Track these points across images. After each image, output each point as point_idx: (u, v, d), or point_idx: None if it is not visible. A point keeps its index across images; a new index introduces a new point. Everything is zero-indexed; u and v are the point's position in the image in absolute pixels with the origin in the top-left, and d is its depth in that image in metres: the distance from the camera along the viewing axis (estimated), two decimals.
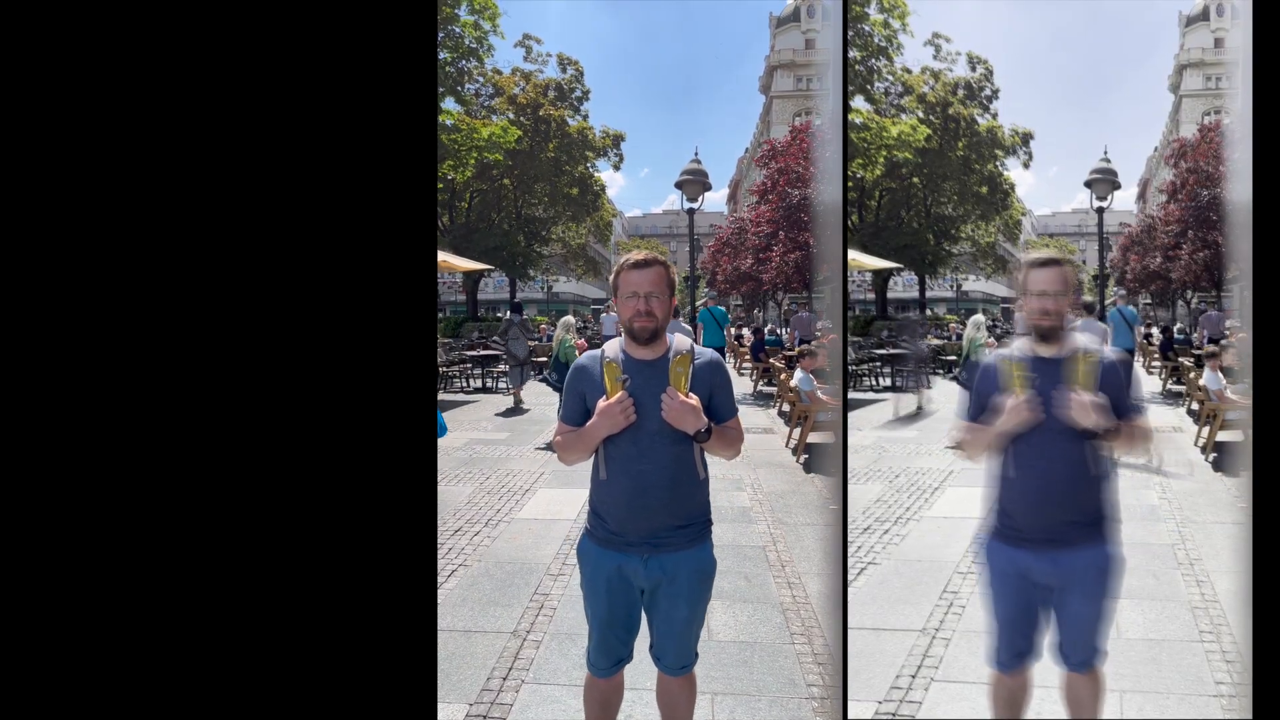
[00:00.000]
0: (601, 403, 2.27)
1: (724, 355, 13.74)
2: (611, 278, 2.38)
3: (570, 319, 10.05)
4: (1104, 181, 15.95)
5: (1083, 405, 2.26)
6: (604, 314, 17.34)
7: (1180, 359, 11.87)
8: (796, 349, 14.23)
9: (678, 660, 2.40)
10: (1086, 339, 2.41)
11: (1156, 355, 14.49)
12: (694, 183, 14.85)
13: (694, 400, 2.25)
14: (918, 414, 10.57)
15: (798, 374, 8.34)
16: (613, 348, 2.35)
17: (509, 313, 13.58)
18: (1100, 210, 15.88)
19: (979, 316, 12.37)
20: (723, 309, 14.31)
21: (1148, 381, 13.32)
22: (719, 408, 2.36)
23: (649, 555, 2.29)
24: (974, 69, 25.64)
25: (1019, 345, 2.43)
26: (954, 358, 14.73)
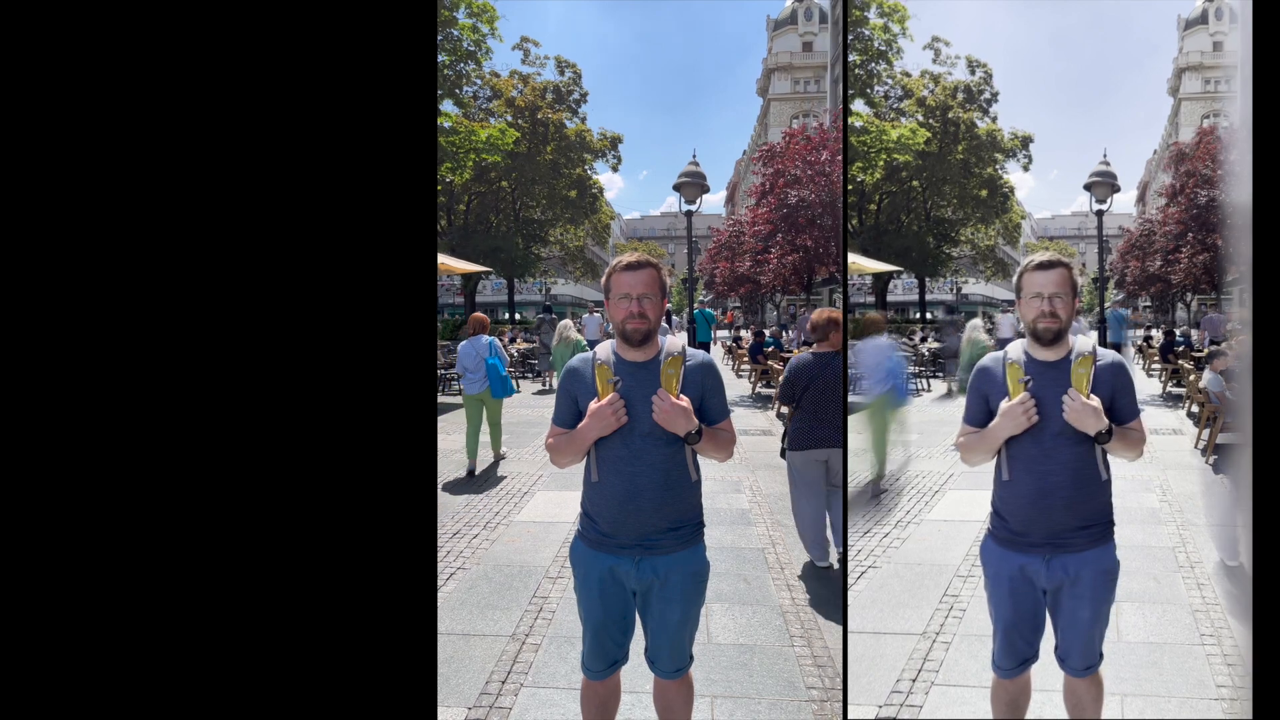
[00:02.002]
0: (593, 405, 2.26)
1: (709, 351, 14.59)
2: (603, 279, 2.37)
3: (567, 321, 10.06)
4: (1104, 184, 15.93)
5: (1082, 409, 2.25)
6: (585, 316, 17.45)
7: (1180, 361, 11.86)
8: (797, 350, 14.29)
9: (672, 663, 2.39)
10: (1083, 341, 2.40)
11: (1156, 358, 14.48)
12: (692, 185, 14.83)
13: (684, 402, 2.25)
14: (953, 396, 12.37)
15: None
16: (604, 349, 2.34)
17: (542, 312, 17.71)
18: (1100, 213, 15.86)
19: (977, 320, 12.44)
20: (710, 311, 16.62)
21: (1147, 384, 13.34)
22: (711, 410, 2.35)
23: (641, 557, 2.28)
24: (973, 73, 25.68)
25: (1016, 348, 2.41)
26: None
